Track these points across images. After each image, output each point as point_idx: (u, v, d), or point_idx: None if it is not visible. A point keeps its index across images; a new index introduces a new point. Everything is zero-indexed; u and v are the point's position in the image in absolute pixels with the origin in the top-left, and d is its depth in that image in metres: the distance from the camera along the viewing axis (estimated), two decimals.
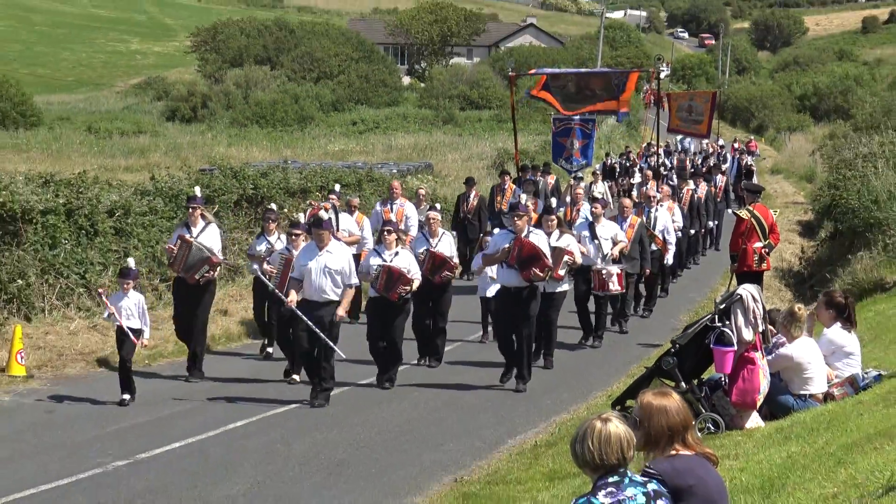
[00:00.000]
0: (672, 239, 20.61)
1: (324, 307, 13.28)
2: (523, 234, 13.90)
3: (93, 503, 9.93)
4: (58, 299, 17.11)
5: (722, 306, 10.33)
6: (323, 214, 13.96)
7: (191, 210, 15.07)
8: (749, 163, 42.45)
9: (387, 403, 13.69)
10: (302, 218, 15.28)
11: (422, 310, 15.35)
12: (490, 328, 16.92)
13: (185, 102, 69.09)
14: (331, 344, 13.24)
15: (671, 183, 28.52)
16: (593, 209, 17.54)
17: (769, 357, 10.47)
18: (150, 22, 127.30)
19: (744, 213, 16.93)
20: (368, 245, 17.68)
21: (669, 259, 20.88)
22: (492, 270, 15.38)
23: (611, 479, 5.10)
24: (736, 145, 51.09)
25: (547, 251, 14.05)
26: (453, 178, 35.84)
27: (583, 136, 25.07)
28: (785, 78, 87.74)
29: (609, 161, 42.13)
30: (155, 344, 15.90)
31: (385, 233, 14.53)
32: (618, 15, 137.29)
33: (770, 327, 10.61)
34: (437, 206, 17.35)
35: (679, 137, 45.15)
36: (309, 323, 13.12)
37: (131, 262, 14.30)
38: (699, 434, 9.96)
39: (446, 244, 15.73)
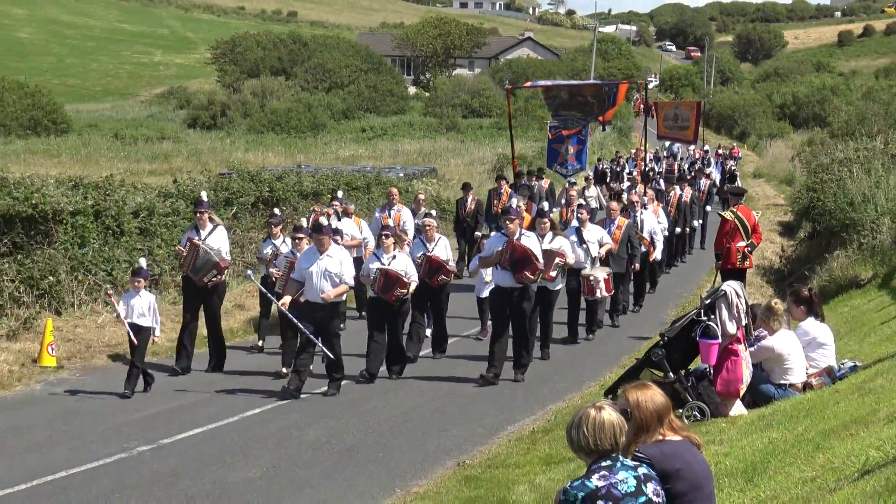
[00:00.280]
0: (659, 238, 20.81)
1: (324, 308, 13.26)
2: (515, 237, 13.80)
3: (119, 485, 9.92)
4: (86, 295, 17.11)
5: (707, 301, 10.32)
6: (322, 220, 13.90)
7: (199, 214, 14.90)
8: (733, 167, 42.44)
9: (393, 393, 13.68)
10: (304, 222, 15.23)
11: (419, 308, 15.30)
12: (487, 324, 16.84)
13: (206, 111, 69.07)
14: (325, 350, 13.24)
15: (658, 187, 28.57)
16: (579, 215, 17.43)
17: (752, 349, 10.46)
18: (173, 36, 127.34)
19: (728, 215, 16.89)
20: (370, 243, 17.60)
21: (658, 255, 21.14)
22: (487, 273, 15.36)
23: (604, 464, 5.10)
24: (720, 151, 51.10)
25: (538, 253, 13.94)
26: (456, 181, 35.77)
27: (577, 142, 25.08)
28: (766, 88, 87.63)
29: (601, 166, 42.12)
30: (170, 338, 15.84)
31: (383, 237, 14.44)
32: (610, 29, 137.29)
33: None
34: (433, 212, 17.22)
35: (668, 143, 45.14)
36: (300, 326, 13.12)
37: (143, 261, 14.25)
38: (686, 421, 9.96)
39: (442, 248, 15.64)
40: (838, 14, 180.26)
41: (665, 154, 47.16)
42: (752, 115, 75.36)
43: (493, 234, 16.07)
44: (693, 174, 35.12)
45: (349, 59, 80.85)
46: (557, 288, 15.56)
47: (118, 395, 13.24)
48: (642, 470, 5.18)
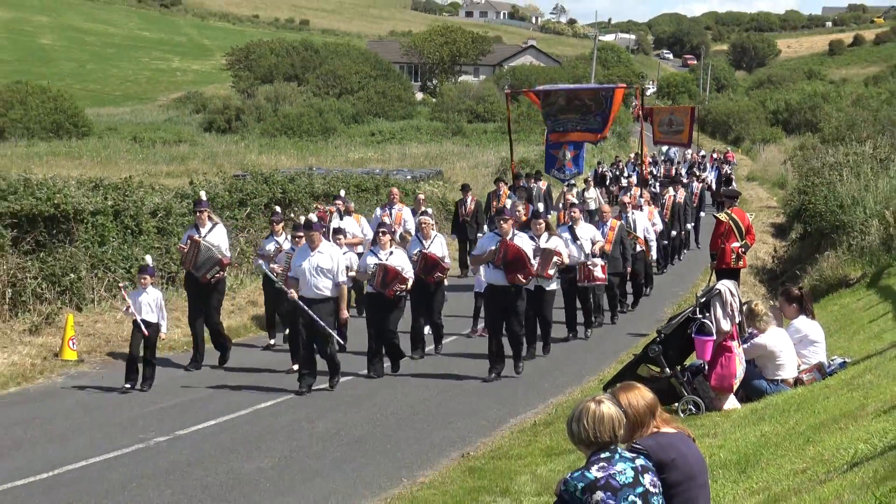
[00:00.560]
0: (652, 237, 20.82)
1: (318, 303, 13.15)
2: (508, 237, 13.65)
3: (136, 474, 9.93)
4: (106, 291, 17.13)
5: (703, 300, 10.30)
6: (312, 217, 13.80)
7: (198, 213, 14.80)
8: (728, 171, 42.39)
9: (399, 387, 13.67)
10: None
11: (417, 307, 15.23)
12: (480, 323, 16.70)
13: (221, 115, 69.17)
14: (330, 331, 13.13)
15: (653, 190, 28.53)
16: (572, 213, 17.32)
17: (745, 345, 10.44)
18: (190, 43, 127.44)
19: (722, 216, 16.88)
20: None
21: (654, 255, 21.25)
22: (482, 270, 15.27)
23: (603, 455, 5.10)
24: (715, 155, 51.02)
25: (530, 253, 13.78)
26: (461, 183, 35.78)
27: (574, 148, 25.09)
28: (759, 95, 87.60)
29: (601, 169, 42.08)
30: (186, 333, 15.83)
31: (380, 234, 14.29)
32: (609, 38, 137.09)
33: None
34: (430, 210, 17.05)
35: (665, 148, 45.10)
36: (310, 313, 13.01)
37: (149, 259, 14.12)
38: (681, 415, 9.96)
39: (438, 246, 15.43)
40: (829, 24, 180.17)
41: (662, 159, 47.10)
42: (746, 121, 75.34)
43: (486, 232, 15.96)
44: (687, 177, 35.05)
45: (359, 66, 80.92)
46: (553, 287, 15.43)
47: (119, 391, 13.19)
48: (640, 461, 5.19)
